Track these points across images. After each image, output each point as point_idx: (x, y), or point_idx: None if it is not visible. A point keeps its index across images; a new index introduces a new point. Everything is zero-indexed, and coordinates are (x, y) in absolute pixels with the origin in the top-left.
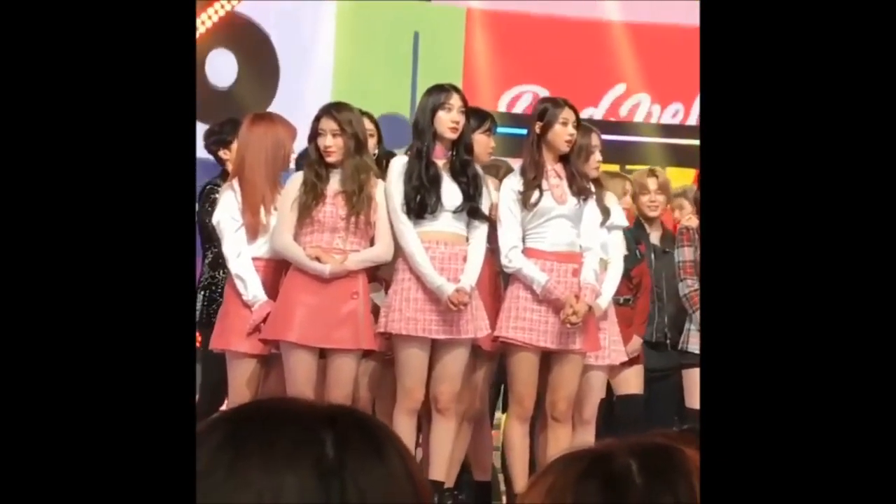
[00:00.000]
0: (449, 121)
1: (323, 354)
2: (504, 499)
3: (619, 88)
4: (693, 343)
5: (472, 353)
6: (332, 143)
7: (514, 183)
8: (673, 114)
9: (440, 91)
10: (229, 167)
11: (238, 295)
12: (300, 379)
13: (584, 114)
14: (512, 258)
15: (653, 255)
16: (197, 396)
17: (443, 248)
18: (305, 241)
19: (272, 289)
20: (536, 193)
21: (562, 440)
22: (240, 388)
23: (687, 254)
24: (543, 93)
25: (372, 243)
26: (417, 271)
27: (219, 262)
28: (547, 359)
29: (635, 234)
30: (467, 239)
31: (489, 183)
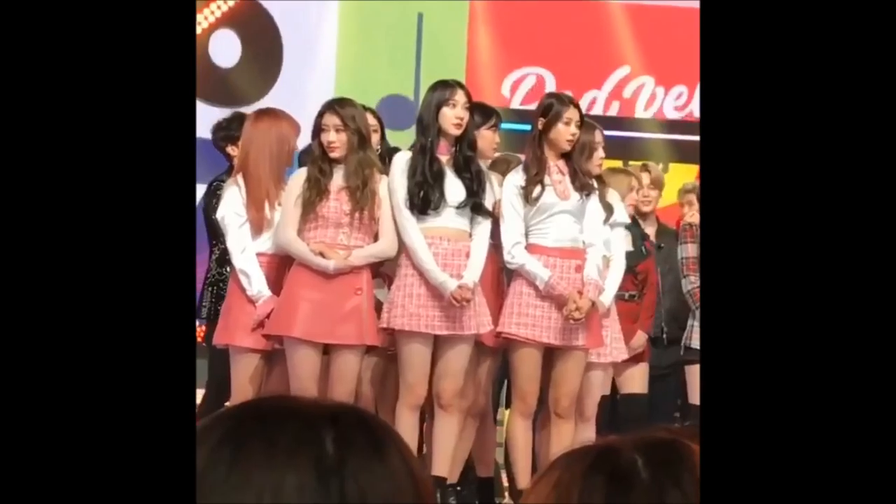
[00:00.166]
0: (453, 117)
1: (326, 350)
2: (506, 495)
3: (623, 70)
4: (696, 339)
5: (475, 350)
6: (336, 139)
7: (516, 179)
8: (677, 96)
9: (445, 87)
10: None
11: (242, 290)
12: (303, 375)
13: (588, 96)
14: (515, 254)
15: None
16: (204, 392)
17: (446, 244)
18: (309, 236)
19: (276, 284)
20: (538, 189)
21: (565, 437)
22: (243, 383)
23: (690, 250)
24: (547, 75)
25: (376, 239)
26: (420, 267)
27: (226, 259)
28: (550, 355)
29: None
30: (470, 235)
31: (493, 179)
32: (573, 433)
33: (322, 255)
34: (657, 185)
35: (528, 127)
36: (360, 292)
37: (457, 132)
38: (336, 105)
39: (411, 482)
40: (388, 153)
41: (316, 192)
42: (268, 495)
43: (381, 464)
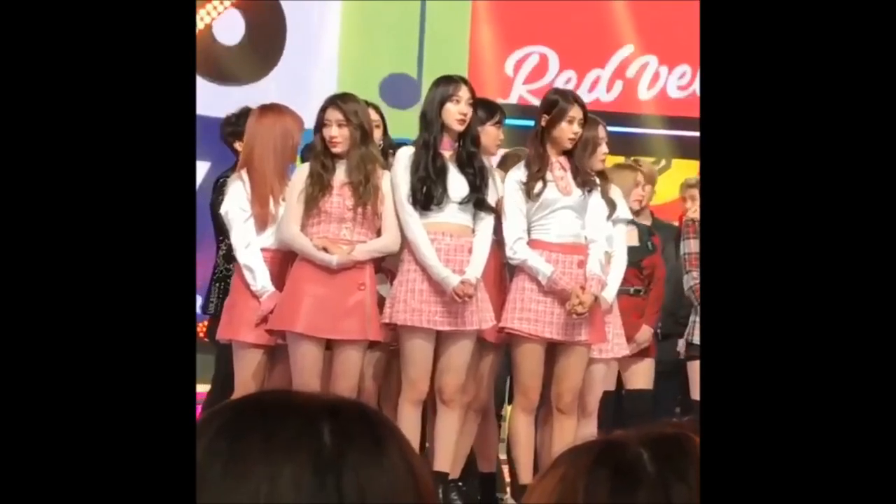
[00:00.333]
0: (457, 113)
1: (329, 345)
2: (509, 490)
3: (627, 50)
4: (699, 335)
5: (478, 345)
6: (338, 134)
7: (518, 175)
8: (680, 75)
9: (448, 83)
10: None
11: (246, 285)
12: (306, 370)
13: (592, 75)
14: (517, 249)
15: None
16: (210, 387)
17: (448, 240)
18: (312, 231)
19: (279, 279)
20: (540, 185)
21: (567, 432)
22: (246, 378)
23: (692, 246)
24: (551, 54)
25: (379, 234)
26: (423, 262)
27: (233, 255)
28: (552, 350)
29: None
30: (473, 231)
31: (496, 175)
32: (575, 429)
33: (325, 250)
34: (650, 180)
35: (532, 123)
36: (364, 287)
37: (460, 128)
38: (338, 100)
39: (411, 477)
40: (390, 148)
41: (319, 187)
42: (265, 487)
43: (381, 458)
